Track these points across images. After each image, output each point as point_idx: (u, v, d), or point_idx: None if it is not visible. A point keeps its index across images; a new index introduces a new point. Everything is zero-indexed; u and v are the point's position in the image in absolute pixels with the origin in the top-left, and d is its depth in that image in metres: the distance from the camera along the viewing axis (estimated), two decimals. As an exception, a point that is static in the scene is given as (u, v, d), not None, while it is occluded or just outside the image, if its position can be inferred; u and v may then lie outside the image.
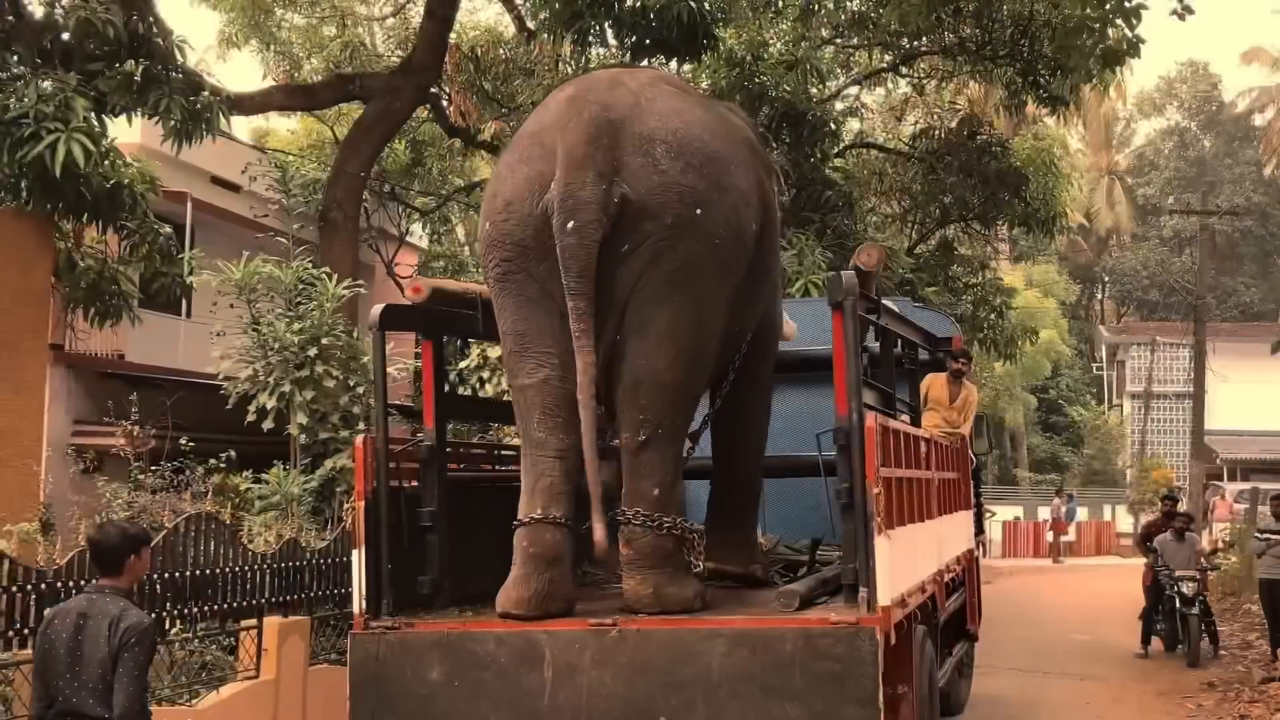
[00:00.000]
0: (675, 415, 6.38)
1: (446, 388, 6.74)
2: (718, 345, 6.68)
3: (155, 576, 8.82)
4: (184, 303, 19.65)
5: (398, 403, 11.87)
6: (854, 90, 25.44)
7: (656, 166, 6.22)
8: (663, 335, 6.21)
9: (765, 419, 7.79)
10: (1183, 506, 20.14)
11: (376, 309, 7.07)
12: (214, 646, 9.04)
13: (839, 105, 23.99)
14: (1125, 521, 38.68)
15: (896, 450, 6.55)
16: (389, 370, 12.33)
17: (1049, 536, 36.98)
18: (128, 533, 5.66)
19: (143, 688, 5.39)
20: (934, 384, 9.79)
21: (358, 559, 6.57)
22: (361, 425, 12.50)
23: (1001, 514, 36.96)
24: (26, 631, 7.60)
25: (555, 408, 6.32)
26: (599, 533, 6.05)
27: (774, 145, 18.01)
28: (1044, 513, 38.50)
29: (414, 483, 6.93)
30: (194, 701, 8.17)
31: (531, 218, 6.26)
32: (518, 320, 6.46)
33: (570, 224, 6.04)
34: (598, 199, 6.07)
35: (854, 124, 26.54)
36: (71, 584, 7.87)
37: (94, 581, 5.68)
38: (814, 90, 20.20)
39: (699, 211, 6.23)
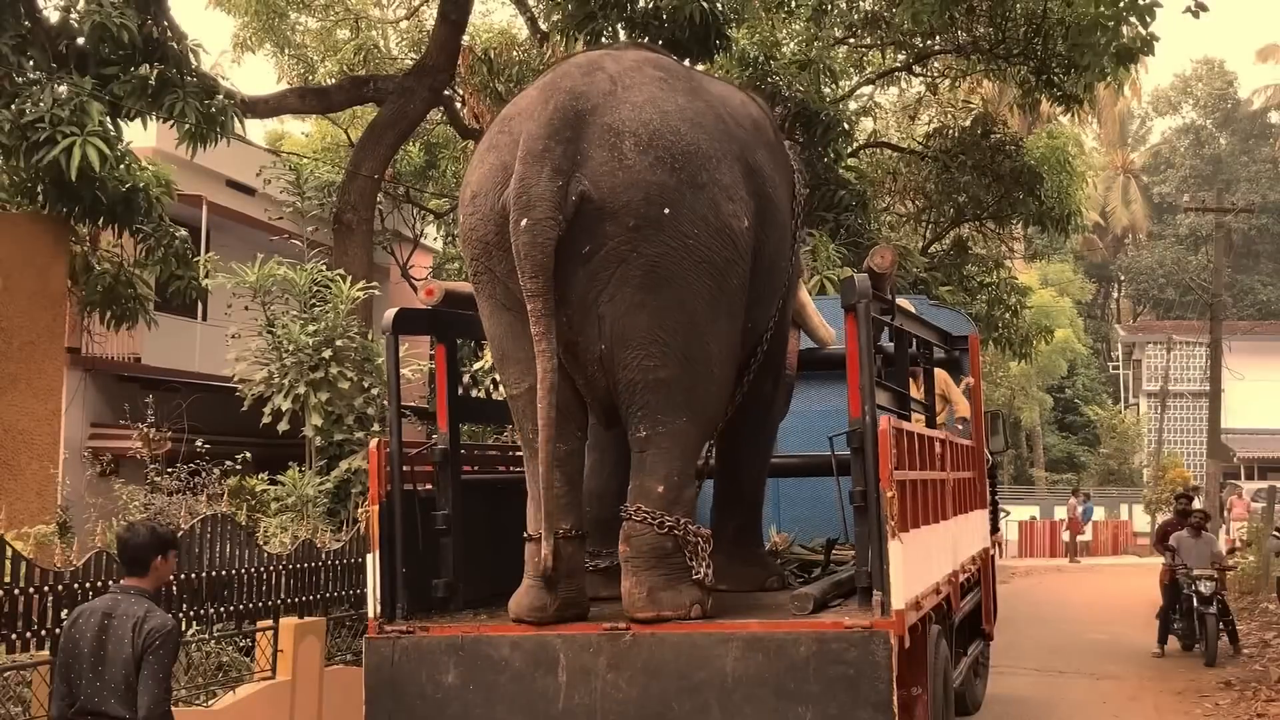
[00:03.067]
0: (678, 414, 6.07)
1: (460, 390, 6.68)
2: (726, 347, 6.36)
3: (172, 578, 8.85)
4: (200, 306, 19.76)
5: (412, 405, 11.89)
6: (867, 90, 25.51)
7: (622, 162, 5.86)
8: (646, 341, 5.93)
9: (770, 436, 7.67)
10: (1198, 504, 20.06)
11: (389, 313, 7.03)
12: (230, 647, 9.06)
13: (852, 105, 24.03)
14: (1142, 521, 38.56)
15: (910, 452, 6.52)
16: (404, 372, 12.46)
17: (1065, 536, 36.90)
18: (156, 533, 5.69)
19: (167, 689, 5.42)
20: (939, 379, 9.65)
21: (372, 562, 6.56)
22: (376, 426, 12.54)
23: (1018, 514, 36.91)
24: (44, 633, 7.64)
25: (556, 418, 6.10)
26: (545, 549, 5.90)
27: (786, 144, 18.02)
28: (1060, 512, 38.41)
29: (428, 486, 6.91)
30: (210, 702, 8.20)
31: (494, 213, 5.99)
32: (492, 326, 6.28)
33: (524, 221, 5.73)
34: (551, 195, 5.73)
35: (867, 123, 26.58)
36: (89, 585, 7.90)
37: (119, 582, 5.71)
38: (827, 90, 20.21)
39: (667, 211, 5.86)
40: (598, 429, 6.79)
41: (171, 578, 8.67)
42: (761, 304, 6.77)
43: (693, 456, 6.34)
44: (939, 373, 9.07)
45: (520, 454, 6.60)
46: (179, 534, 9.20)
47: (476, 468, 7.80)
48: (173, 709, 5.46)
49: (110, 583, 7.77)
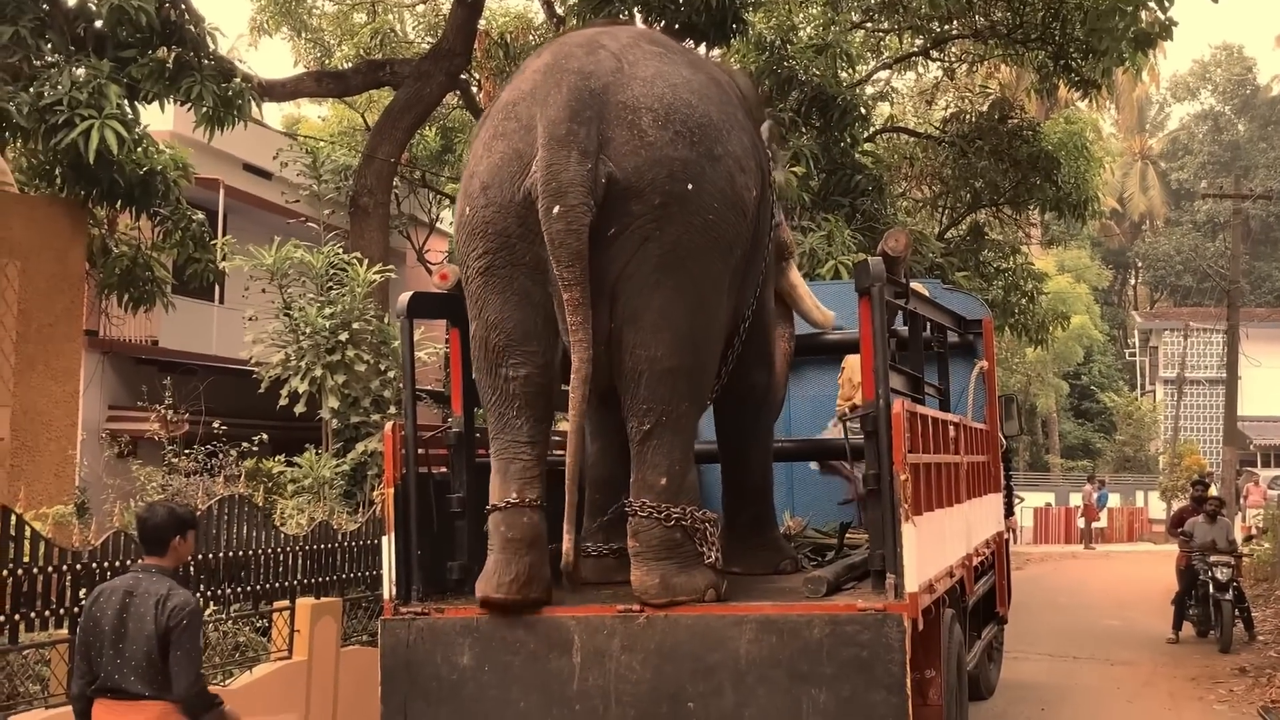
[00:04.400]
0: (679, 403, 6.03)
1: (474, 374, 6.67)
2: (722, 325, 6.36)
3: (189, 558, 8.91)
4: (217, 289, 19.84)
5: (428, 388, 11.92)
6: (884, 74, 25.42)
7: (644, 139, 5.80)
8: (659, 323, 5.88)
9: (771, 420, 7.63)
10: (1214, 491, 20.02)
11: (403, 297, 7.02)
12: (247, 628, 9.12)
13: (869, 90, 23.95)
14: (1157, 508, 38.46)
15: (924, 435, 6.52)
16: (420, 355, 12.51)
17: (1080, 523, 36.85)
18: (175, 513, 5.73)
19: (200, 665, 5.49)
20: (850, 365, 9.45)
21: (387, 545, 6.59)
22: (392, 409, 12.59)
23: (1032, 500, 36.87)
24: (62, 612, 7.70)
25: (534, 400, 6.13)
26: (567, 544, 5.85)
27: (802, 129, 18.00)
28: (1075, 499, 38.35)
29: (443, 469, 6.93)
30: (227, 682, 8.24)
31: (514, 204, 5.86)
32: (503, 315, 6.09)
33: (556, 209, 5.63)
34: (584, 180, 5.66)
35: (884, 108, 26.50)
36: (106, 565, 7.96)
37: (139, 561, 5.76)
38: (844, 74, 20.13)
39: (690, 187, 5.83)
40: (601, 417, 6.82)
41: (190, 558, 8.75)
42: (747, 282, 6.70)
43: (690, 441, 6.31)
44: (848, 360, 8.89)
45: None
46: (197, 514, 9.29)
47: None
48: (117, 703, 5.45)
49: (129, 562, 7.89)
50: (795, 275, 7.99)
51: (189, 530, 5.73)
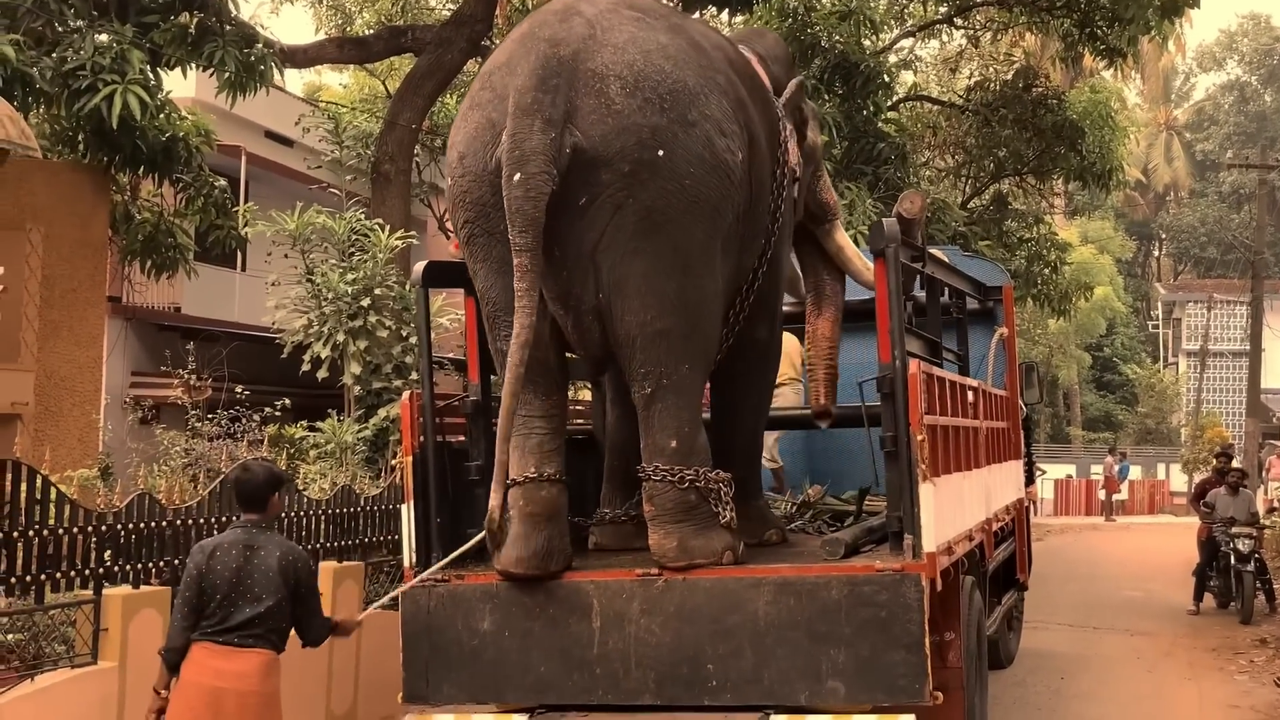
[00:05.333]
0: (678, 365, 5.99)
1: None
2: (718, 286, 6.24)
3: (214, 521, 8.98)
4: (239, 256, 19.89)
5: (449, 356, 11.94)
6: (908, 42, 25.29)
7: (610, 108, 5.75)
8: (643, 289, 5.86)
9: (766, 384, 7.48)
10: (1237, 464, 19.97)
11: (419, 266, 7.03)
12: (271, 590, 9.17)
13: (893, 58, 23.84)
14: (1179, 480, 38.40)
15: (941, 398, 6.50)
16: (441, 321, 12.56)
17: (1101, 495, 36.80)
18: (272, 472, 6.14)
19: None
20: (790, 345, 9.34)
21: (407, 512, 6.62)
22: (414, 376, 12.61)
23: (1054, 472, 36.84)
24: (87, 573, 7.76)
25: (537, 371, 6.10)
26: (495, 501, 5.78)
27: (825, 97, 17.93)
28: (1096, 471, 38.29)
29: (461, 438, 6.93)
30: (251, 643, 8.31)
31: (487, 173, 5.87)
32: (489, 286, 6.13)
33: (516, 176, 5.62)
34: (545, 149, 5.63)
35: (908, 76, 26.38)
36: (131, 526, 8.02)
37: (240, 518, 6.07)
38: (867, 42, 20.04)
39: (661, 153, 5.76)
40: (619, 383, 6.80)
41: (206, 519, 8.84)
42: (749, 243, 6.62)
43: (698, 403, 6.29)
44: (789, 340, 8.76)
45: None
46: (219, 478, 9.35)
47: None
48: (222, 648, 5.78)
49: (155, 525, 8.09)
50: (842, 236, 7.85)
51: (283, 486, 6.20)
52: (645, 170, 5.77)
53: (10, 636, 7.30)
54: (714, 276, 6.16)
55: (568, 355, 6.46)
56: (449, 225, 25.53)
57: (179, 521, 8.37)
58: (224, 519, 9.02)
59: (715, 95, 6.07)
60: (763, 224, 6.74)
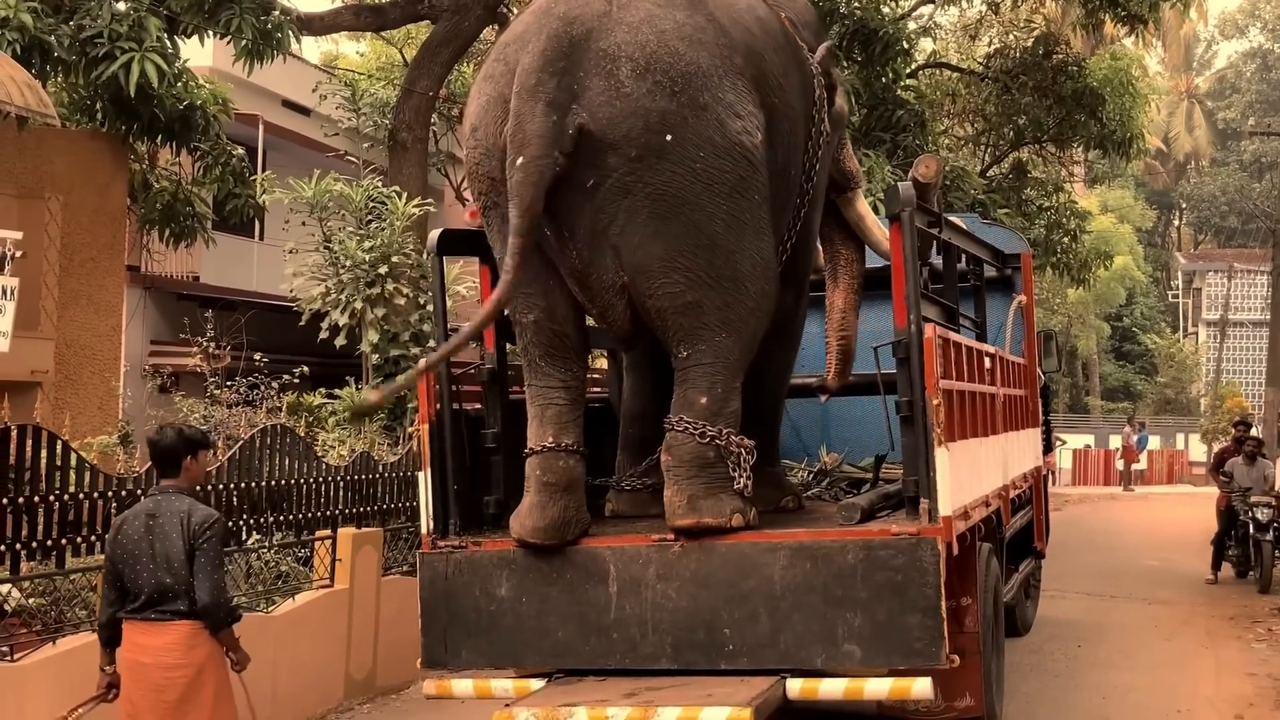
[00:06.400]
0: (715, 331, 5.96)
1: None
2: (758, 263, 6.12)
3: (232, 487, 9.03)
4: (256, 225, 19.93)
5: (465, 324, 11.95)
6: (927, 9, 25.09)
7: (619, 90, 5.68)
8: (667, 269, 5.83)
9: (789, 350, 7.46)
10: (1256, 433, 19.88)
11: (434, 234, 7.04)
12: (289, 557, 9.24)
13: (912, 24, 23.65)
14: (1198, 450, 38.26)
15: (958, 363, 6.48)
16: (458, 289, 12.56)
17: (1119, 465, 36.74)
18: (184, 434, 5.83)
19: (223, 574, 5.64)
20: None
21: (424, 480, 6.63)
22: (431, 343, 12.62)
23: (1072, 442, 36.73)
24: (107, 538, 7.81)
25: (552, 344, 6.18)
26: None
27: (844, 64, 17.83)
28: (1115, 441, 38.21)
29: (477, 406, 6.95)
30: (270, 609, 8.38)
31: (497, 148, 5.83)
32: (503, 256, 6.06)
33: (519, 159, 5.60)
34: (547, 132, 5.59)
35: (927, 43, 26.19)
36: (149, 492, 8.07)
37: (157, 484, 5.89)
38: (886, 8, 19.93)
39: (669, 138, 5.70)
40: (638, 352, 6.82)
41: (228, 485, 8.86)
42: (780, 216, 6.57)
43: (737, 372, 6.21)
44: None
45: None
46: (239, 444, 9.39)
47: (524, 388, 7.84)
48: (142, 624, 5.59)
49: (246, 486, 8.11)
50: (863, 205, 7.77)
51: (200, 450, 5.84)
52: (653, 155, 5.73)
53: (32, 600, 7.36)
54: (747, 254, 6.05)
55: (588, 324, 6.46)
56: (466, 193, 25.61)
57: (197, 488, 8.40)
58: (243, 485, 9.10)
59: (730, 76, 5.97)
60: (795, 189, 6.70)
